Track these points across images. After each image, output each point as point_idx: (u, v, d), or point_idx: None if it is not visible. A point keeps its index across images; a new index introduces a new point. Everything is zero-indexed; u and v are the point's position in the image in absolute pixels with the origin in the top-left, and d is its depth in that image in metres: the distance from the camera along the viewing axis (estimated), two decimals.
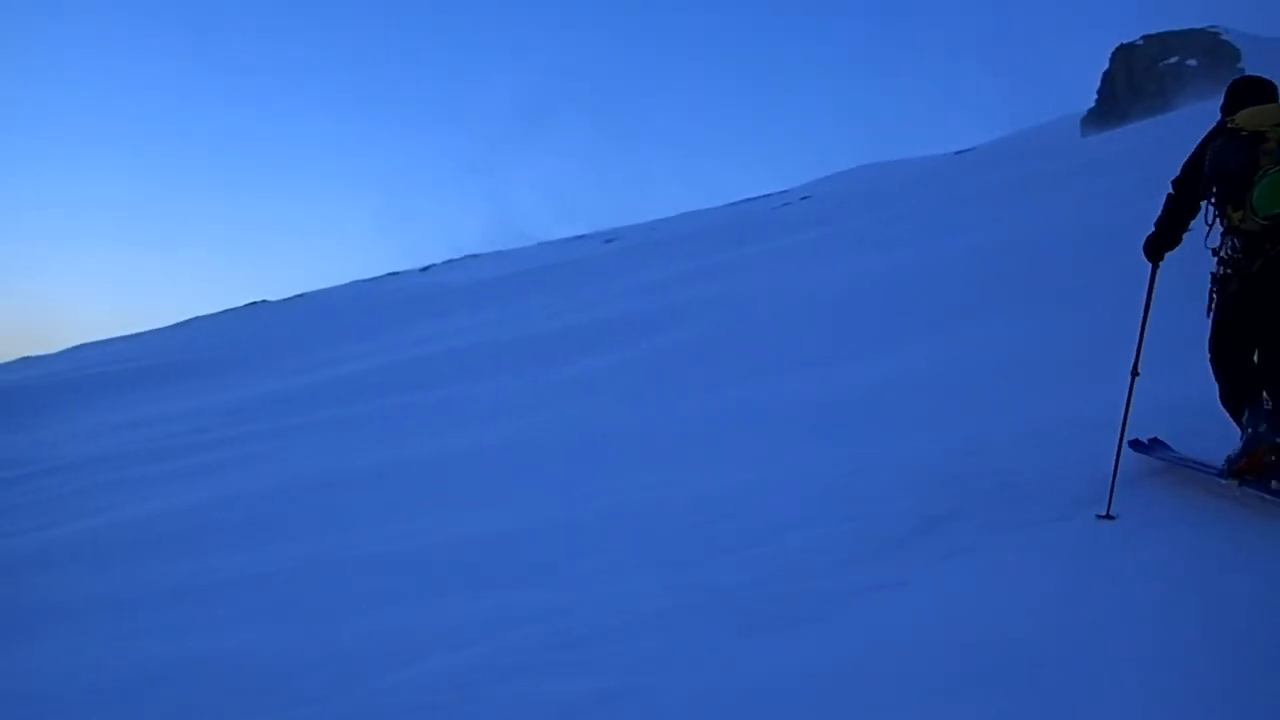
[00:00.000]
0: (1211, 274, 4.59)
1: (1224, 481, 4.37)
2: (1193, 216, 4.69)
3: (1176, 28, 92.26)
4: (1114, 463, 4.72)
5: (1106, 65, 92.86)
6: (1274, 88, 4.53)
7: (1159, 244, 4.80)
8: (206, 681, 4.98)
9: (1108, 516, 4.53)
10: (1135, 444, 5.12)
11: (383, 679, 4.52)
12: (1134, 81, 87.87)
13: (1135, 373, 4.87)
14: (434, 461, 11.34)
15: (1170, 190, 4.76)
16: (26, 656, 6.03)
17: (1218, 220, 4.48)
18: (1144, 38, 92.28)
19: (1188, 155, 4.62)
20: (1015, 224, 20.67)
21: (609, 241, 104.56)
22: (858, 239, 29.88)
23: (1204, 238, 4.59)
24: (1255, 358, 4.49)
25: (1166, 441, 5.18)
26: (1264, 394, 4.37)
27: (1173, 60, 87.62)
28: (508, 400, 15.66)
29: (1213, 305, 4.58)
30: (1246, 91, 4.57)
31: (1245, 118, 4.32)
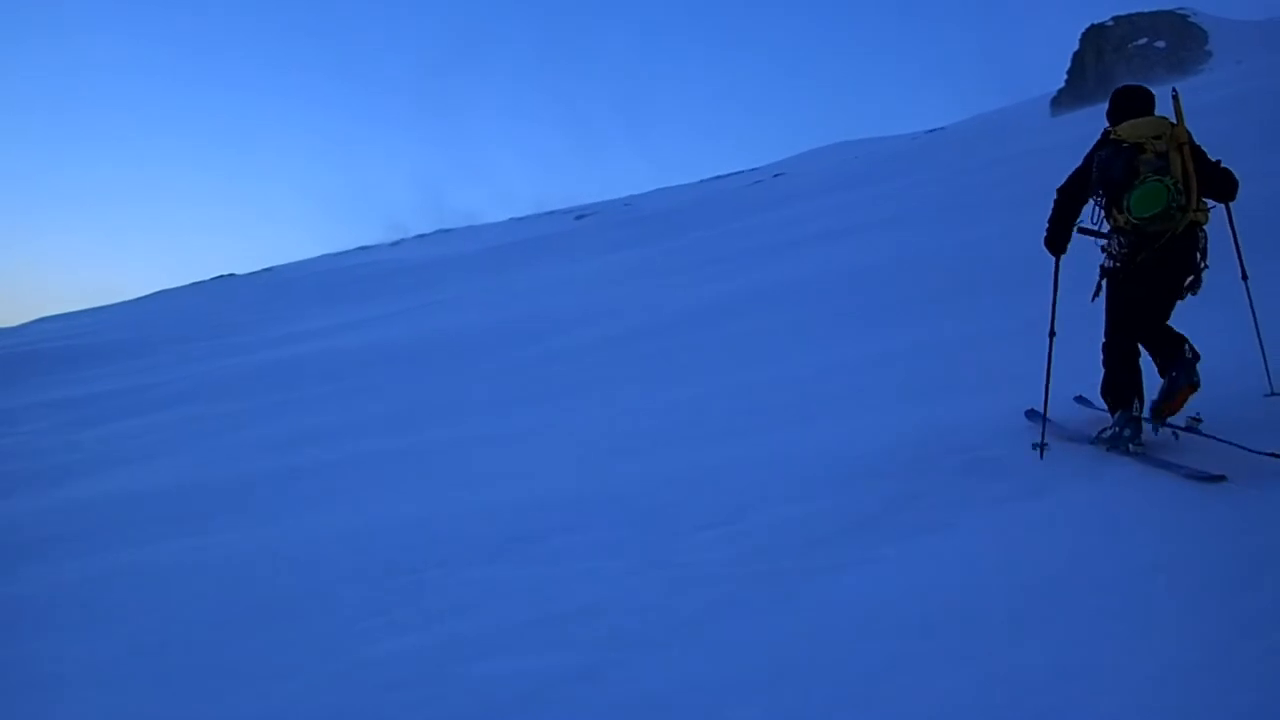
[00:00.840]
0: (1101, 266, 5.18)
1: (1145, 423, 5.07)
2: (1076, 217, 5.25)
3: (1146, 9, 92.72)
4: (1043, 406, 5.50)
5: (1077, 46, 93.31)
6: (1152, 97, 5.08)
7: (1057, 242, 5.38)
8: (157, 679, 4.93)
9: (1041, 447, 5.23)
10: (1030, 413, 5.86)
11: (354, 655, 4.50)
12: (1103, 62, 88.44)
13: (1052, 333, 5.50)
14: (404, 443, 11.27)
15: (1056, 195, 5.32)
16: None
17: (1104, 221, 5.09)
18: (1114, 19, 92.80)
19: (1080, 165, 5.14)
20: (987, 207, 20.80)
21: (580, 218, 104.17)
22: (830, 220, 29.93)
23: (1095, 234, 5.20)
24: (1140, 347, 5.12)
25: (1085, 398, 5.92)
26: (1136, 400, 5.05)
27: (1142, 41, 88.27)
28: (485, 379, 15.57)
29: (1098, 293, 5.23)
30: (1128, 101, 5.10)
31: (1127, 130, 4.87)
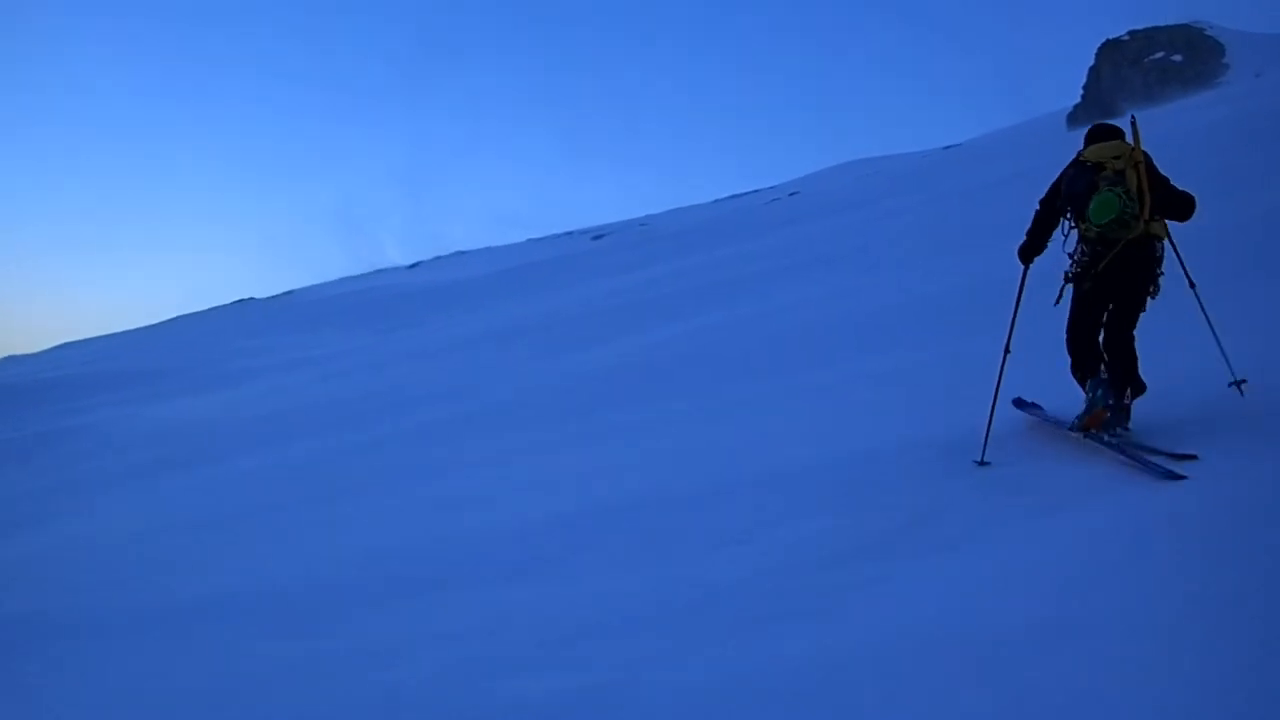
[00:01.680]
0: (1065, 272, 5.79)
1: (1073, 434, 5.61)
2: (1054, 228, 5.89)
3: (1162, 23, 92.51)
4: (988, 420, 5.82)
5: (1092, 61, 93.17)
6: (1120, 132, 5.68)
7: (1029, 250, 6.01)
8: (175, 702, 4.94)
9: (982, 463, 5.66)
10: (1018, 402, 6.41)
11: (373, 678, 4.51)
12: (1120, 76, 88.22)
13: (1007, 350, 6.06)
14: (421, 459, 11.29)
15: (1037, 207, 5.94)
16: None
17: (1073, 231, 5.72)
18: (1130, 33, 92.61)
19: (1053, 182, 5.77)
20: (1002, 223, 20.70)
21: (597, 238, 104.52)
22: (834, 244, 29.92)
23: (1062, 245, 5.82)
24: (1099, 339, 5.73)
25: (1040, 404, 6.41)
26: (1103, 366, 5.63)
27: (1158, 55, 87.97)
28: (509, 395, 15.60)
29: (1061, 297, 5.84)
30: (1097, 133, 5.75)
31: (1091, 152, 5.56)
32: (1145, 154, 5.45)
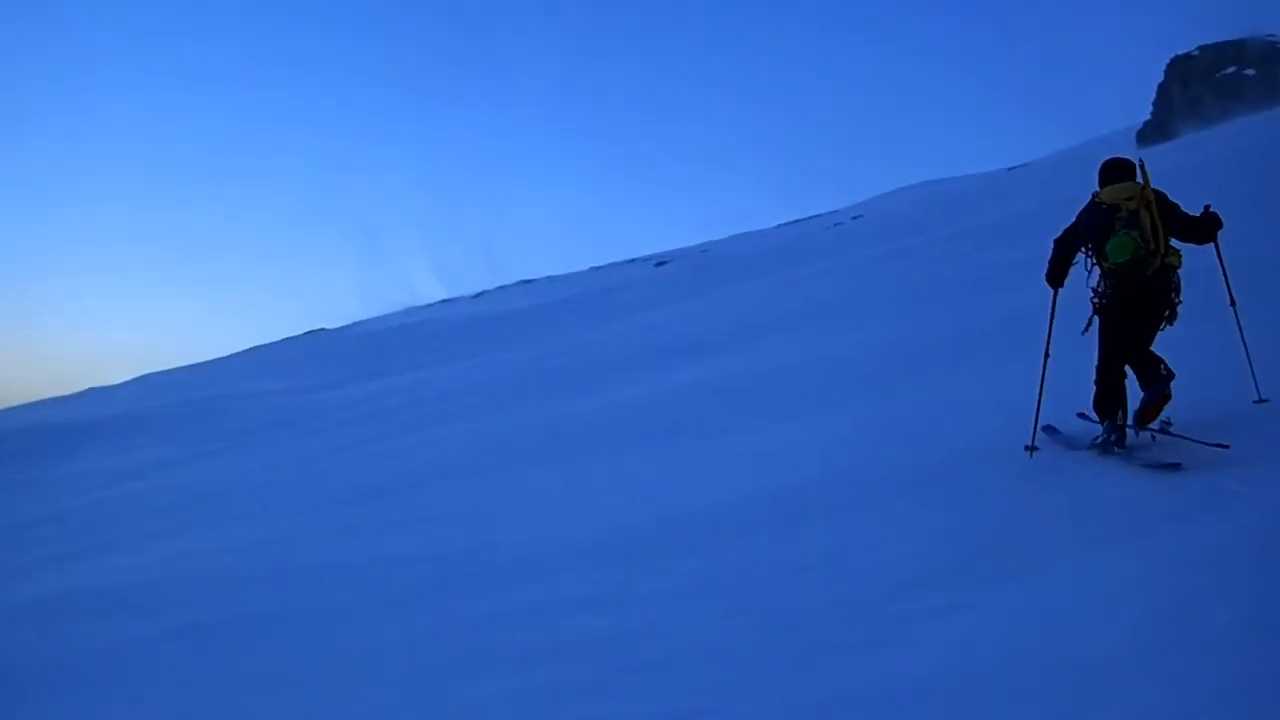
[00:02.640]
0: (1092, 303, 6.30)
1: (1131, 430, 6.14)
2: (1071, 262, 6.43)
3: (1232, 38, 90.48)
4: (1035, 411, 6.53)
5: (1162, 78, 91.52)
6: (1132, 167, 6.10)
7: (1055, 278, 6.54)
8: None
9: (1032, 448, 6.45)
10: (1081, 414, 6.83)
11: (451, 698, 4.58)
12: (1190, 93, 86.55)
13: (1046, 355, 6.66)
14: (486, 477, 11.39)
15: (1052, 245, 6.48)
16: None
17: (1095, 268, 6.22)
18: (1200, 48, 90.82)
19: (1072, 219, 6.29)
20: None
21: (660, 265, 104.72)
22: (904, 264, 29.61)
23: (1085, 280, 6.33)
24: (1124, 379, 6.19)
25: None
26: (1124, 405, 6.17)
27: (1229, 70, 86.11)
28: (574, 417, 15.69)
29: (1090, 325, 6.28)
30: (1112, 172, 6.19)
31: (1107, 194, 6.03)
32: (1156, 191, 5.90)
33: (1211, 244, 6.17)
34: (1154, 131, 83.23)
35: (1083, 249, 6.27)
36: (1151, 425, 5.99)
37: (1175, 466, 5.40)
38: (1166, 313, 6.00)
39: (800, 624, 4.58)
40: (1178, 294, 6.00)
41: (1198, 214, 6.05)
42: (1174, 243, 6.00)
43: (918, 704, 3.55)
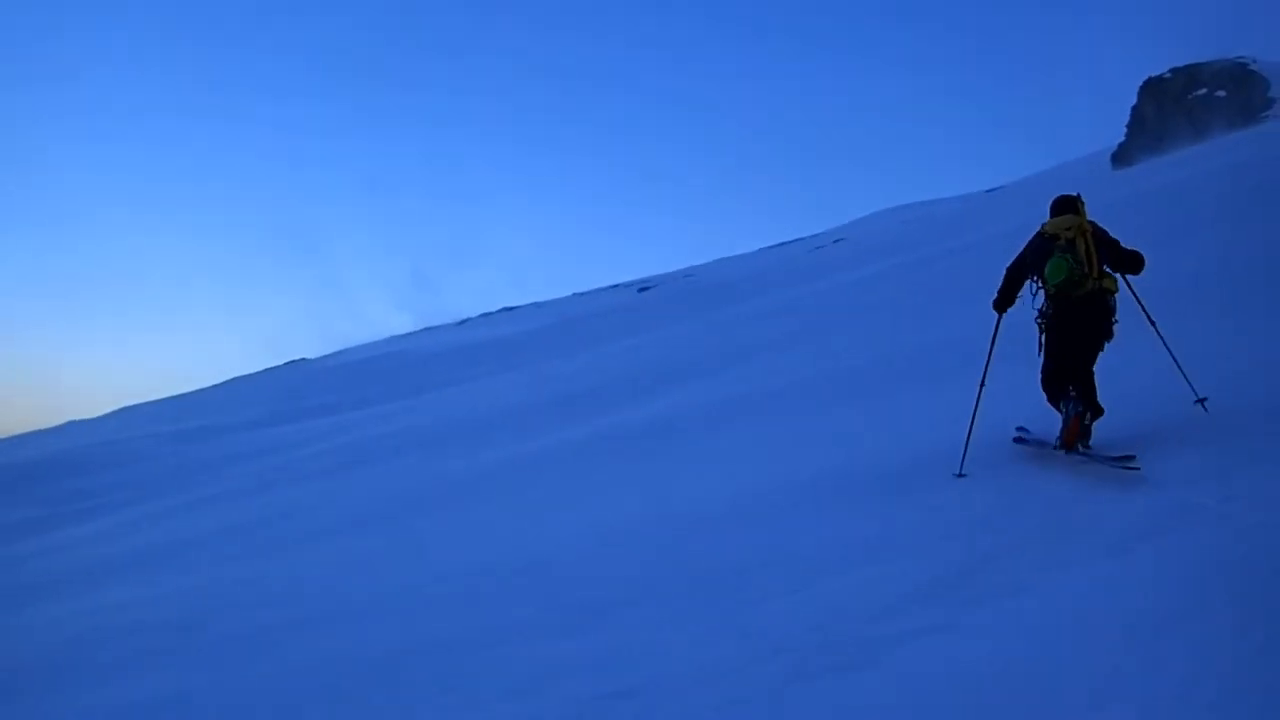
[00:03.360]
0: (1037, 323, 7.03)
1: (1058, 452, 6.68)
2: (1020, 287, 7.17)
3: (1204, 60, 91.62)
4: (965, 439, 7.09)
5: (1135, 100, 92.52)
6: (1074, 202, 6.89)
7: (1002, 304, 7.28)
8: None
9: (960, 475, 6.88)
10: (1019, 432, 7.38)
11: None
12: (1163, 114, 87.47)
13: (982, 384, 7.37)
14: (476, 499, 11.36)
15: (1005, 272, 7.20)
16: None
17: (1040, 291, 6.97)
18: (1172, 70, 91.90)
19: (1020, 250, 7.06)
20: None
21: (643, 290, 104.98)
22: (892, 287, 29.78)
23: (1032, 302, 7.08)
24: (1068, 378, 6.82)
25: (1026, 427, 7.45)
26: (1070, 389, 6.73)
27: (1201, 92, 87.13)
28: (558, 445, 15.67)
29: (1042, 346, 6.96)
30: (1057, 207, 6.99)
31: (1050, 226, 6.85)
32: (1092, 224, 6.73)
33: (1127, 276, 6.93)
34: (1129, 152, 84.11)
35: (1030, 276, 7.04)
36: (1076, 448, 6.55)
37: (1130, 459, 5.93)
38: (1106, 329, 6.71)
39: (782, 645, 4.55)
40: (1113, 315, 6.72)
41: (1132, 249, 6.77)
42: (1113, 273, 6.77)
43: None
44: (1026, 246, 7.01)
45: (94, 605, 9.80)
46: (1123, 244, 6.80)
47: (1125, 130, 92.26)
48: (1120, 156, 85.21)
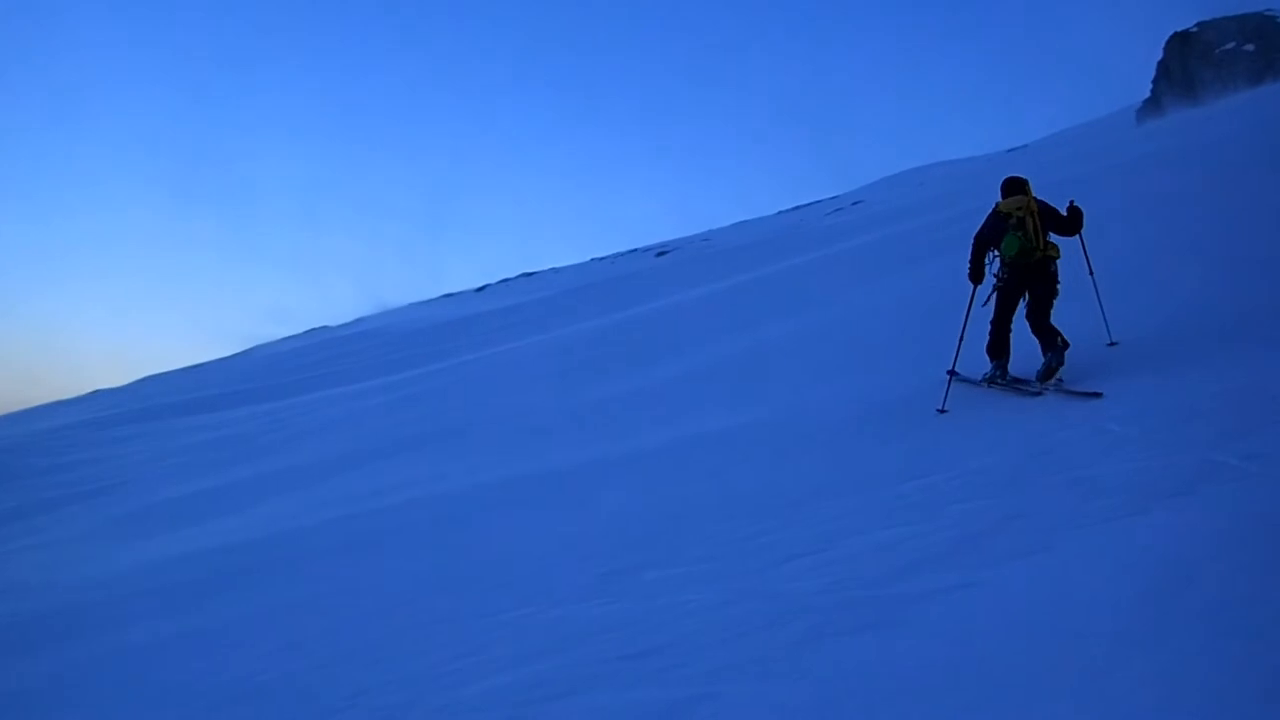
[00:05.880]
0: (993, 285, 8.47)
1: (1038, 384, 7.90)
2: (984, 259, 8.54)
3: (1232, 13, 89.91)
4: (946, 386, 8.55)
5: (1160, 55, 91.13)
6: (1023, 184, 8.29)
7: (975, 275, 8.60)
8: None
9: (942, 410, 8.20)
10: (951, 374, 8.71)
11: (451, 695, 4.57)
12: (1189, 69, 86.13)
13: (961, 338, 8.76)
14: (503, 479, 11.40)
15: (972, 243, 8.59)
16: None
17: (996, 259, 8.41)
18: (1199, 24, 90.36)
19: (980, 224, 8.52)
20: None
21: (661, 255, 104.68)
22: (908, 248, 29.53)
23: (991, 268, 8.51)
24: (1010, 331, 8.45)
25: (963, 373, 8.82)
26: (1008, 353, 8.44)
27: (1229, 46, 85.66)
28: (563, 413, 15.69)
29: (989, 300, 8.48)
30: (1011, 187, 8.34)
31: (1004, 205, 8.24)
32: (1039, 202, 8.17)
33: (1078, 236, 8.39)
34: (1154, 108, 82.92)
35: (989, 249, 8.48)
36: (1049, 382, 7.78)
37: (1096, 395, 7.09)
38: (1053, 290, 8.12)
39: (802, 606, 4.57)
40: (1056, 278, 8.15)
41: (1065, 212, 8.27)
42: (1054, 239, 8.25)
43: (924, 684, 3.52)
44: (985, 223, 8.44)
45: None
46: (1059, 212, 8.27)
47: (1151, 85, 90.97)
48: (1145, 113, 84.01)
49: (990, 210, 8.43)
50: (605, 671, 4.36)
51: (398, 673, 5.14)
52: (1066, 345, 7.93)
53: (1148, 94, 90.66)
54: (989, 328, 8.50)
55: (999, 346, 8.44)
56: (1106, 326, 8.59)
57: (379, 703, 4.75)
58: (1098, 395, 7.04)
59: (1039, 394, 7.56)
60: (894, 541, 5.12)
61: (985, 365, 8.75)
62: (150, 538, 13.49)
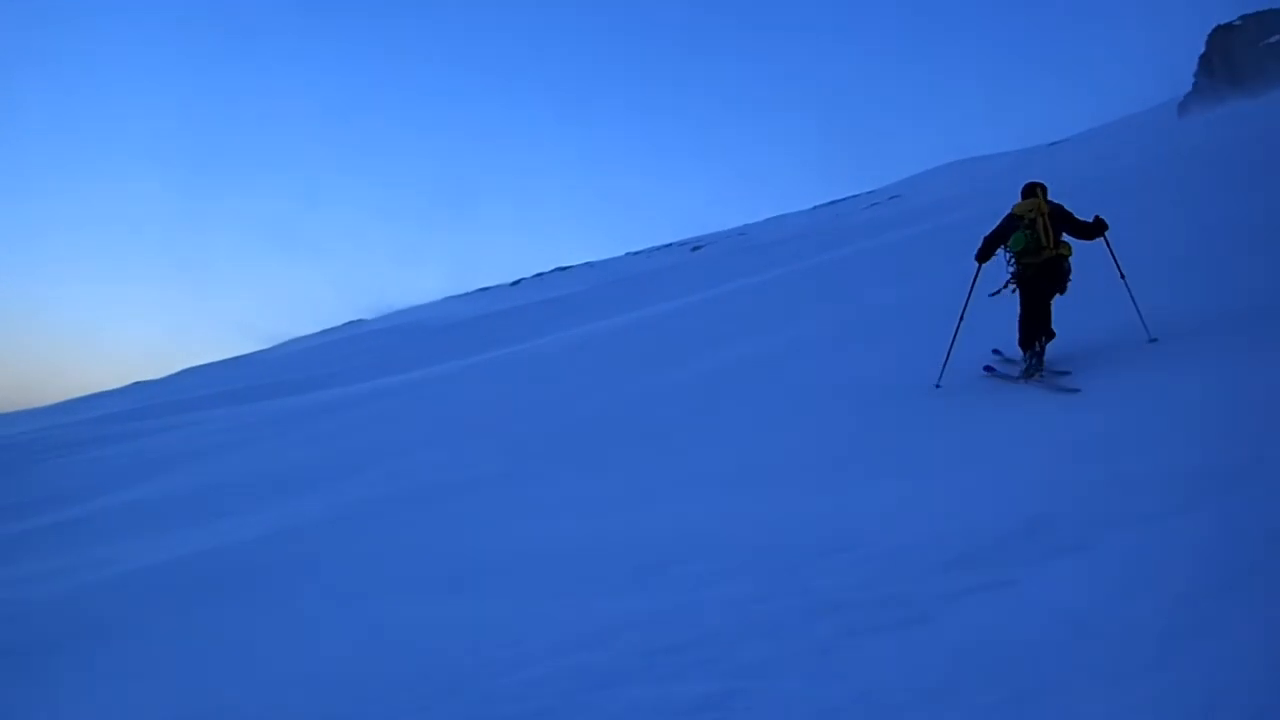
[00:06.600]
0: (1011, 280, 9.07)
1: (1019, 380, 8.70)
2: (993, 252, 9.20)
3: (1275, 6, 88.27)
4: (944, 359, 9.48)
5: (1203, 48, 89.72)
6: (1037, 187, 9.08)
7: (982, 257, 9.28)
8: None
9: (938, 385, 9.29)
10: (987, 368, 9.39)
11: (488, 685, 4.61)
12: (1232, 62, 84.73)
13: (961, 318, 9.66)
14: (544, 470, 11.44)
15: (984, 239, 9.23)
16: None
17: (1011, 257, 9.01)
18: (1242, 18, 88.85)
19: (997, 225, 9.14)
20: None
21: (696, 249, 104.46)
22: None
23: (1004, 264, 9.13)
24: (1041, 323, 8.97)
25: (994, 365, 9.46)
26: (1048, 334, 8.90)
27: (1272, 39, 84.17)
28: (593, 403, 15.71)
29: (1000, 292, 9.18)
30: (1028, 191, 9.07)
31: (1018, 208, 8.97)
32: (1053, 204, 8.89)
33: (1101, 240, 8.99)
34: (1197, 101, 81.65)
35: (1002, 245, 9.08)
36: (1034, 378, 8.55)
37: (1075, 391, 7.74)
38: (1061, 286, 8.85)
39: (834, 602, 4.57)
40: (1068, 275, 8.85)
41: (1090, 220, 8.92)
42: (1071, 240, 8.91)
43: (960, 680, 3.51)
44: (1001, 223, 9.11)
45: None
46: (1077, 216, 8.92)
47: (1193, 80, 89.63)
48: (1188, 106, 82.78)
49: (1006, 214, 9.09)
50: (641, 665, 4.38)
51: (429, 663, 5.19)
52: (1052, 336, 8.85)
53: (1190, 87, 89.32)
54: (1020, 318, 8.98)
55: (1030, 337, 8.88)
56: (1144, 324, 8.81)
57: (420, 690, 4.80)
58: (1076, 390, 7.71)
59: (1076, 390, 7.75)
60: (927, 540, 5.08)
61: (1002, 353, 9.53)
62: (242, 515, 13.67)
